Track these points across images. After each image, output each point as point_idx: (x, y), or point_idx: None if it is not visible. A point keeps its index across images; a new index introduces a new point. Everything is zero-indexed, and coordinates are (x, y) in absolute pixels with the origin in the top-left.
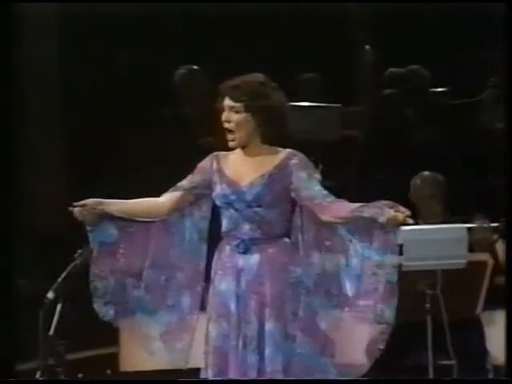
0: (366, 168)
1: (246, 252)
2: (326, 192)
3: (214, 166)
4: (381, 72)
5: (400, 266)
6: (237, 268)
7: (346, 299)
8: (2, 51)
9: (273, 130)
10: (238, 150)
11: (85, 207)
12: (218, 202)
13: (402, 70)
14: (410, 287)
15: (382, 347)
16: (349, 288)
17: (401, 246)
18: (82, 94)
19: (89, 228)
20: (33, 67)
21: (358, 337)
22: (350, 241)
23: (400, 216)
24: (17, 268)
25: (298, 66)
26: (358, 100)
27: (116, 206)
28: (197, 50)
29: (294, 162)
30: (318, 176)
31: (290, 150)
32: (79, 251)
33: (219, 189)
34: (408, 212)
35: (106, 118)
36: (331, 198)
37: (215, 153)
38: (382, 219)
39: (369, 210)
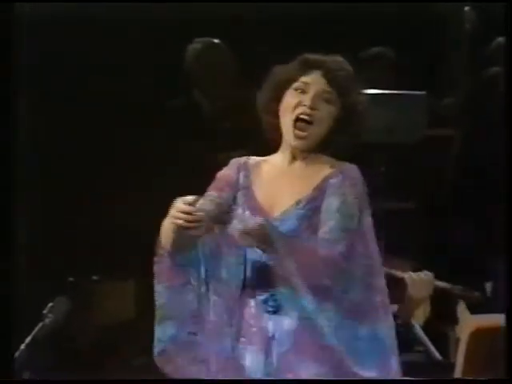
0: (463, 181)
1: (277, 311)
2: (333, 237)
3: (241, 179)
4: (482, 43)
5: None
6: (266, 334)
7: None
8: (2, 51)
9: (343, 136)
10: (278, 158)
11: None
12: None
13: None
14: None
15: None
16: None
17: None
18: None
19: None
20: (33, 66)
21: None
22: None
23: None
24: None
25: (362, 38)
26: (451, 84)
27: None
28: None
29: (332, 181)
30: (352, 208)
31: (344, 163)
32: (50, 305)
33: (239, 217)
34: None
35: (100, 116)
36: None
37: (243, 158)
38: None
39: None
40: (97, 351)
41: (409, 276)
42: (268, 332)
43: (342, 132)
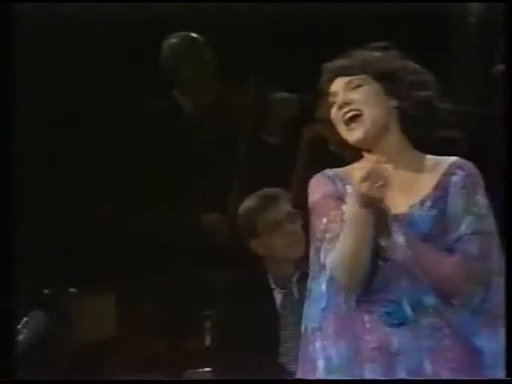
0: None
1: (402, 323)
2: (466, 240)
3: (342, 189)
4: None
5: None
6: (388, 350)
7: None
8: (2, 51)
9: (417, 110)
10: (366, 164)
11: None
12: None
13: None
14: None
15: None
16: None
17: None
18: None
19: None
20: (33, 66)
21: None
22: None
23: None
24: None
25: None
26: (457, 82)
27: None
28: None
29: (454, 179)
30: (483, 208)
31: (455, 158)
32: (24, 320)
33: None
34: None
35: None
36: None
37: (328, 171)
38: None
39: None
40: (76, 370)
41: None
42: (390, 347)
43: (407, 99)
